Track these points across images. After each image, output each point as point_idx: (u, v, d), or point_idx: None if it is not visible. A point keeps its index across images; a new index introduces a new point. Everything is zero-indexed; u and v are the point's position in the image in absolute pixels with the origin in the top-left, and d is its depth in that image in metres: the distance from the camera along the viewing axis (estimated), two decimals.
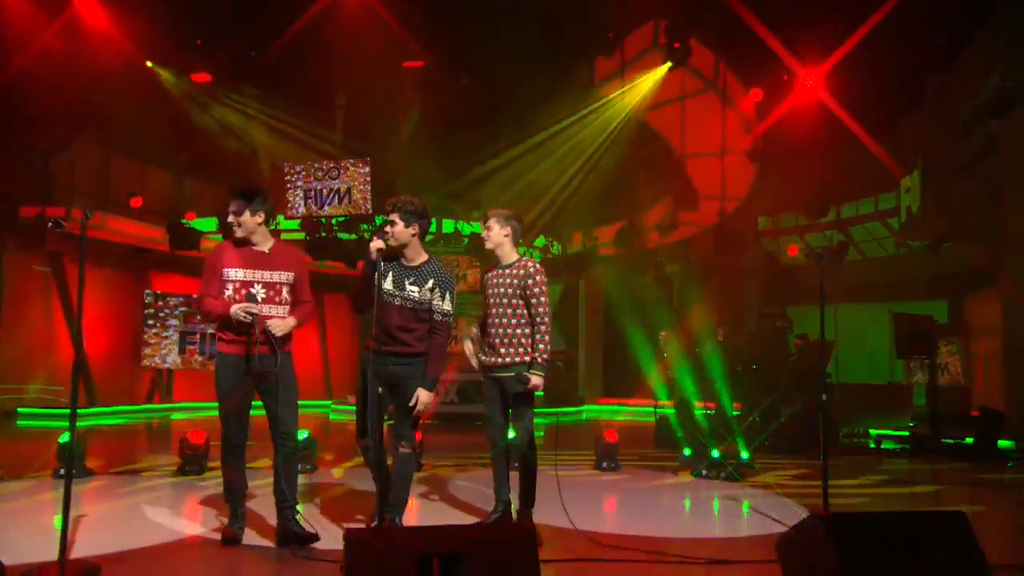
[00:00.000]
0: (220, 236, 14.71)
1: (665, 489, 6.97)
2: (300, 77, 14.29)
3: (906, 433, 11.94)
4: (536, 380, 4.56)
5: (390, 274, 4.46)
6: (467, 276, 15.96)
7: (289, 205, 13.82)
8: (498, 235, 4.80)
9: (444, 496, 6.06)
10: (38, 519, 5.16)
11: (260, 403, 4.57)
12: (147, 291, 16.83)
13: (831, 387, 12.09)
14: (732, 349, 11.66)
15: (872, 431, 12.65)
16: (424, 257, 4.56)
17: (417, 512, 5.47)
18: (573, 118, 14.75)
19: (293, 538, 4.42)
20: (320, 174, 13.48)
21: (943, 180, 12.69)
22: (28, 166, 14.02)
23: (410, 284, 4.47)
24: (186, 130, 15.09)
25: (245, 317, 4.31)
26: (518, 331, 4.66)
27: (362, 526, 5.01)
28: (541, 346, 4.60)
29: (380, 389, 4.36)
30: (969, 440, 10.68)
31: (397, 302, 4.45)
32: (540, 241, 16.13)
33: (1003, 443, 10.59)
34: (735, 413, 11.19)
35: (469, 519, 5.24)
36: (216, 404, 4.49)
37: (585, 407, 17.67)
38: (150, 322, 16.70)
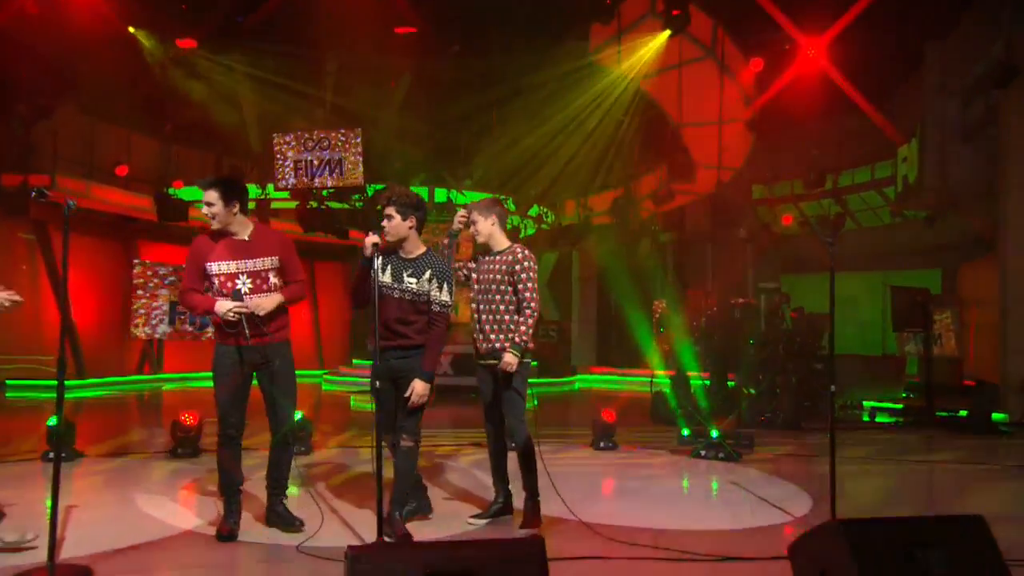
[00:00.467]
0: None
1: (664, 472, 6.91)
2: (288, 42, 13.93)
3: (900, 406, 11.95)
4: (509, 358, 4.47)
5: (388, 267, 4.44)
6: (458, 246, 15.76)
7: (279, 176, 13.54)
8: (485, 226, 4.70)
9: (441, 483, 5.96)
10: (28, 510, 5.02)
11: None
12: (135, 260, 16.60)
13: (827, 359, 12.07)
14: (725, 323, 11.60)
15: (866, 403, 12.66)
16: (422, 249, 4.51)
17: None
18: (568, 85, 14.46)
19: (278, 521, 4.52)
20: (311, 144, 13.20)
21: (941, 149, 12.54)
22: (9, 134, 13.68)
23: (408, 276, 4.42)
24: (172, 96, 14.73)
25: (233, 317, 4.24)
26: (506, 317, 4.59)
27: (366, 514, 4.92)
28: (523, 327, 4.53)
29: (378, 383, 4.28)
30: (963, 413, 10.69)
31: (396, 295, 4.41)
32: (534, 211, 15.94)
33: (997, 416, 10.60)
34: (731, 384, 11.20)
35: (468, 508, 5.15)
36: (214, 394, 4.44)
37: (578, 377, 17.65)
38: (139, 292, 16.51)
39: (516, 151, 15.57)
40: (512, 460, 4.74)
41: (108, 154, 16.34)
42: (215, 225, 4.34)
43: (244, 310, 4.26)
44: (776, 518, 5.06)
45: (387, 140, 14.17)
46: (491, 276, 4.65)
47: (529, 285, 4.56)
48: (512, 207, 15.82)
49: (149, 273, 16.64)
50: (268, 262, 4.43)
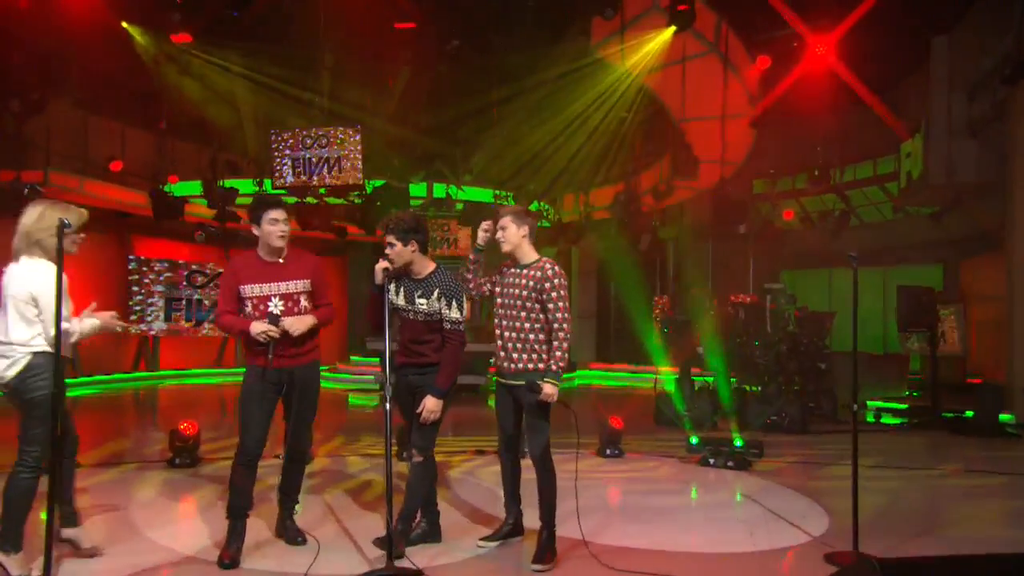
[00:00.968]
0: (204, 200, 14.27)
1: (675, 484, 6.74)
2: (285, 37, 13.71)
3: (905, 406, 11.85)
4: (549, 389, 4.25)
5: (401, 290, 4.50)
6: (458, 240, 15.64)
7: (277, 174, 13.34)
8: (515, 236, 4.42)
9: (448, 497, 5.82)
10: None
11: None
12: (130, 256, 16.42)
13: (830, 357, 11.97)
14: (731, 322, 11.47)
15: (869, 403, 12.57)
16: (431, 267, 4.52)
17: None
18: (569, 81, 14.27)
19: (285, 534, 4.62)
20: (309, 142, 12.99)
21: (947, 144, 12.38)
22: (1, 130, 13.45)
23: (419, 297, 4.46)
24: (166, 91, 14.51)
25: (266, 339, 4.24)
26: (531, 336, 4.33)
27: (375, 529, 4.79)
28: (558, 353, 4.27)
29: (388, 405, 4.15)
30: (969, 413, 10.59)
31: (410, 316, 4.50)
32: (534, 206, 15.76)
33: (1003, 417, 10.51)
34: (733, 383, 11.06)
35: (476, 529, 5.01)
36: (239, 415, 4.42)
37: (577, 373, 17.54)
38: (135, 288, 16.34)
39: (516, 147, 15.40)
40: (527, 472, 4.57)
41: (102, 149, 16.10)
42: (277, 243, 4.35)
43: (276, 334, 4.24)
44: (793, 537, 4.93)
45: (386, 137, 13.96)
46: (516, 291, 4.37)
47: (560, 305, 4.29)
48: (512, 203, 15.67)
49: (144, 269, 16.48)
50: (300, 285, 4.43)
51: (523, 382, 4.33)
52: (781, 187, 17.79)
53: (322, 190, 13.45)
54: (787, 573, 4.34)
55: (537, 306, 4.33)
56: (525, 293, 4.34)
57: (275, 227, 4.32)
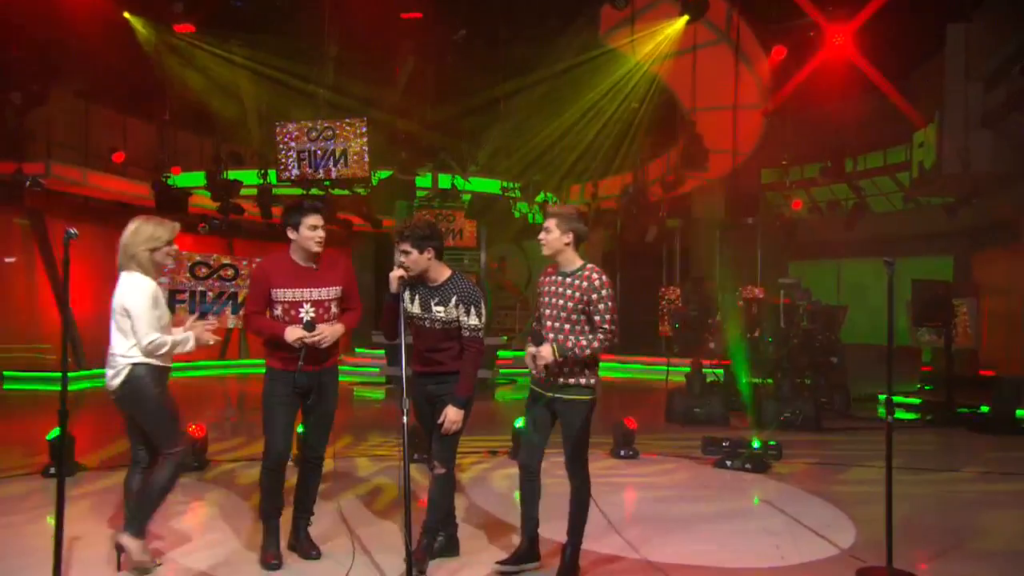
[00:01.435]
0: (207, 192, 14.08)
1: (692, 488, 6.59)
2: (288, 27, 13.48)
3: (918, 400, 11.71)
4: (546, 351, 3.99)
5: (416, 298, 4.34)
6: (463, 232, 15.44)
7: (282, 167, 13.13)
8: (557, 242, 4.13)
9: (463, 504, 5.64)
10: (30, 544, 4.76)
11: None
12: None
13: (842, 349, 11.83)
14: (744, 317, 11.33)
15: (881, 396, 12.41)
16: (447, 274, 4.36)
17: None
18: (577, 72, 14.05)
19: (298, 547, 4.51)
20: (314, 135, 12.77)
21: (963, 134, 12.17)
22: (2, 121, 13.26)
23: (436, 305, 4.31)
24: (168, 82, 14.31)
25: (300, 346, 4.20)
26: (577, 351, 4.07)
27: (393, 539, 4.66)
28: (584, 341, 4.01)
29: (406, 411, 4.02)
30: (985, 409, 10.45)
31: (427, 324, 4.34)
32: (540, 198, 15.58)
33: (1020, 412, 10.37)
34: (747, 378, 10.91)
35: (496, 542, 4.88)
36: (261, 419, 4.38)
37: None
38: None
39: (523, 138, 15.20)
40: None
41: (103, 140, 15.92)
42: (315, 249, 4.27)
43: (313, 341, 4.20)
44: (821, 550, 4.79)
45: (391, 129, 13.75)
46: (562, 302, 4.10)
47: (606, 317, 4.01)
48: (518, 193, 15.47)
49: None
50: (333, 292, 4.37)
51: (570, 396, 4.10)
52: (790, 177, 17.60)
53: (327, 182, 13.25)
54: None
55: (583, 317, 4.08)
56: (571, 305, 4.07)
57: (315, 233, 4.25)
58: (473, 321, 4.27)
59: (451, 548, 4.54)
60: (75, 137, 15.75)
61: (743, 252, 18.34)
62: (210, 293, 16.83)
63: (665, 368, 12.30)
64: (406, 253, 4.21)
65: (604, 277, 4.10)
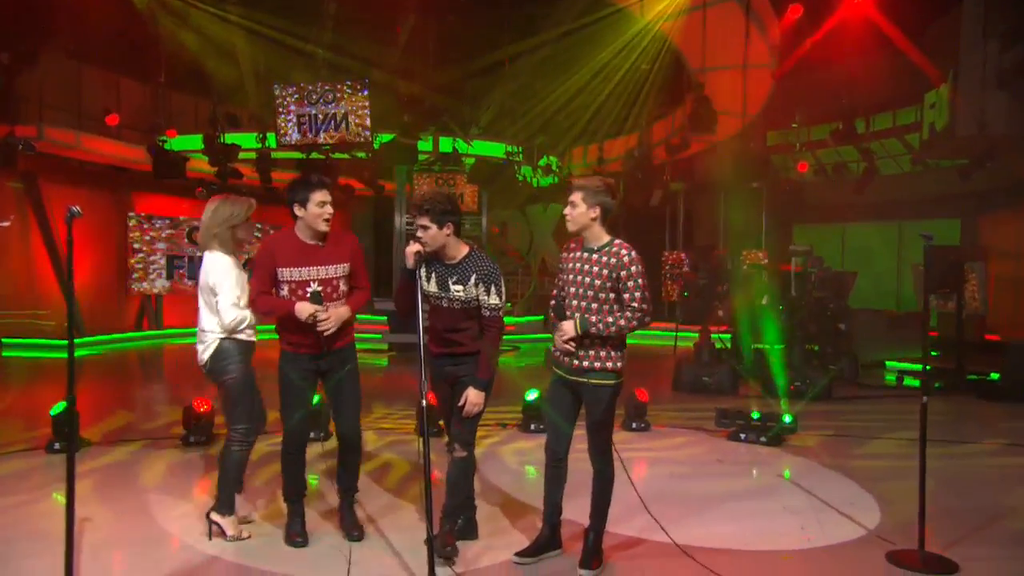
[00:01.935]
0: (205, 156, 13.79)
1: (708, 463, 6.45)
2: None
3: (927, 367, 11.58)
4: (568, 329, 3.84)
5: (432, 275, 4.13)
6: (464, 196, 15.19)
7: (281, 131, 12.81)
8: (583, 216, 3.89)
9: (476, 485, 5.50)
10: (38, 527, 4.63)
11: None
12: (130, 214, 16.01)
13: (851, 315, 11.69)
14: (753, 285, 11.17)
15: (889, 363, 12.33)
16: (465, 251, 4.13)
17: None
18: (585, 32, 13.68)
19: (344, 527, 4.46)
20: (314, 98, 12.43)
21: (979, 95, 11.88)
22: None
23: (454, 283, 4.09)
24: (162, 41, 13.92)
25: (309, 319, 4.05)
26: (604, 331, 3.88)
27: (412, 522, 4.55)
28: (610, 318, 3.79)
29: (424, 403, 3.82)
30: (995, 376, 10.35)
31: (444, 304, 4.13)
32: (543, 161, 15.29)
33: None
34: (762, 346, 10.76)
35: (514, 524, 4.77)
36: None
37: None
38: (136, 246, 15.96)
39: (527, 99, 14.87)
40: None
41: (96, 101, 15.58)
42: (323, 228, 4.14)
43: (326, 316, 4.07)
44: (847, 531, 4.67)
45: (393, 91, 13.40)
46: (588, 280, 3.88)
47: (637, 296, 3.79)
48: (520, 157, 15.19)
49: (145, 226, 16.08)
50: (340, 269, 4.23)
51: (596, 381, 3.90)
52: (797, 138, 17.33)
53: (327, 146, 12.94)
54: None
55: (612, 295, 3.85)
56: (598, 283, 3.84)
57: (323, 210, 4.10)
58: (494, 300, 4.06)
59: (470, 531, 4.42)
60: (67, 99, 15.40)
61: (747, 216, 18.14)
62: None
63: (673, 334, 12.17)
64: (424, 228, 4.00)
65: (634, 253, 3.87)
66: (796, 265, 10.73)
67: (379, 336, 14.43)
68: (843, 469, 6.09)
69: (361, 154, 13.60)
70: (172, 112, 16.28)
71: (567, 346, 3.92)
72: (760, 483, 5.90)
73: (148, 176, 14.91)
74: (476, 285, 4.05)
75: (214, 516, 4.35)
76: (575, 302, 3.94)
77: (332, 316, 4.11)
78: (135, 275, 15.96)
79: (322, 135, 12.56)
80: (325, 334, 4.10)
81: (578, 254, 4.00)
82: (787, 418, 7.05)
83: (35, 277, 15.01)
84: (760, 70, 13.94)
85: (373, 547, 4.32)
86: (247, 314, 4.22)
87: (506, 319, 4.44)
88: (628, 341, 4.00)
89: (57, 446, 6.34)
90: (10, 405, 8.93)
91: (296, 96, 12.64)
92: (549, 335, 11.87)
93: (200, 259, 4.37)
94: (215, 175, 13.69)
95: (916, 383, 11.23)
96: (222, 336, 4.22)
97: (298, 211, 4.12)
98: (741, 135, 15.38)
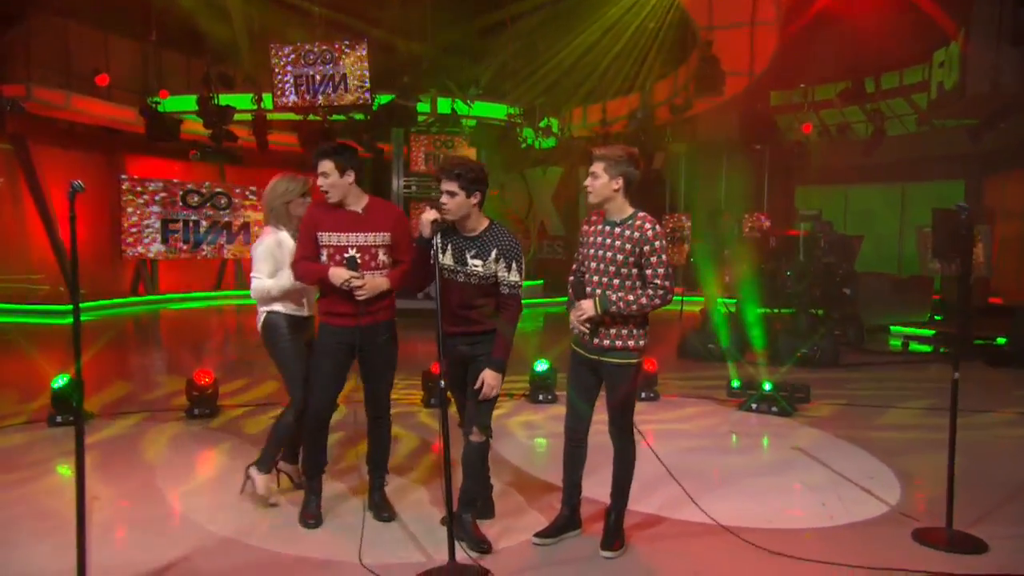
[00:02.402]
0: (199, 117, 13.47)
1: (721, 435, 6.37)
2: None
3: (932, 332, 11.54)
4: (588, 307, 3.70)
5: (448, 247, 3.88)
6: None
7: (278, 92, 12.49)
8: (606, 188, 3.71)
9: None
10: (45, 505, 4.51)
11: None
12: (122, 176, 15.71)
13: (856, 280, 11.60)
14: (761, 249, 11.04)
15: (894, 328, 12.26)
16: (485, 223, 3.91)
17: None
18: None
19: (373, 508, 4.35)
20: (312, 58, 12.07)
21: (994, 52, 11.58)
22: None
23: (472, 257, 3.86)
24: None
25: (344, 285, 3.96)
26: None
27: (428, 504, 4.46)
28: (632, 296, 3.63)
29: (443, 382, 3.72)
30: (1002, 341, 10.28)
31: (460, 279, 3.89)
32: (544, 123, 14.99)
33: None
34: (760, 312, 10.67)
35: (530, 502, 4.68)
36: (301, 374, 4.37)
37: None
38: (129, 210, 15.70)
39: (528, 59, 14.54)
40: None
41: (86, 60, 15.20)
42: (332, 198, 4.05)
43: (360, 282, 3.96)
44: (869, 507, 4.59)
45: (391, 48, 13.07)
46: (609, 255, 3.71)
47: (660, 272, 3.64)
48: (520, 120, 14.89)
49: (139, 189, 15.79)
50: (380, 238, 4.11)
51: (617, 360, 3.76)
52: (806, 99, 17.05)
53: (325, 108, 12.65)
54: (878, 559, 3.93)
55: (635, 271, 3.69)
56: (621, 257, 3.68)
57: (323, 181, 4.04)
58: (514, 277, 3.87)
59: (487, 510, 4.33)
60: (56, 58, 15.02)
61: (749, 177, 17.93)
62: (203, 222, 16.37)
63: (679, 298, 12.06)
64: (451, 194, 3.74)
65: (658, 227, 3.70)
66: (804, 230, 10.58)
67: None
68: (859, 441, 6.01)
69: (359, 116, 13.30)
70: (163, 71, 15.92)
71: (583, 327, 3.78)
72: (775, 457, 5.80)
73: (140, 138, 14.61)
74: (497, 260, 3.84)
75: (252, 471, 4.45)
76: (596, 277, 3.78)
77: (368, 284, 3.99)
78: (129, 239, 15.73)
79: (320, 96, 12.25)
80: (360, 299, 3.98)
81: (599, 227, 3.83)
82: (766, 385, 6.95)
83: (27, 240, 14.79)
84: (766, 27, 13.62)
85: (388, 527, 4.22)
86: (268, 282, 4.31)
87: None
88: None
89: (60, 419, 6.22)
90: (6, 374, 8.80)
91: (293, 56, 12.30)
92: (548, 298, 11.49)
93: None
94: (209, 137, 13.40)
95: (922, 348, 11.18)
96: (266, 309, 4.38)
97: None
98: (746, 95, 15.10)
